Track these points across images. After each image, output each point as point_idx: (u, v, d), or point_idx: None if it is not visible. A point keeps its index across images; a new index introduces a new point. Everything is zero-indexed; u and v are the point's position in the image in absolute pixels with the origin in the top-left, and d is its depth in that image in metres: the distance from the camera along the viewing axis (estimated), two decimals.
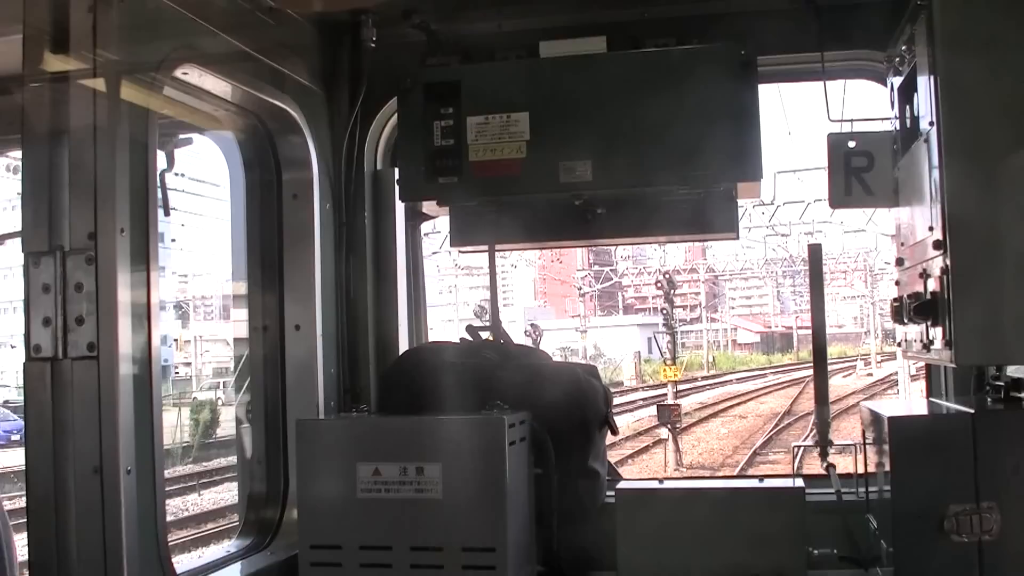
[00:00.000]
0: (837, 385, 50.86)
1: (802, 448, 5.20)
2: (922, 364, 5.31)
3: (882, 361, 69.38)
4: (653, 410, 36.31)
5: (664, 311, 42.37)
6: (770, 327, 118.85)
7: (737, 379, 66.31)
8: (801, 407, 41.76)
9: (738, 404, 47.55)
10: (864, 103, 5.63)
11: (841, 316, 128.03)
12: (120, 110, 3.87)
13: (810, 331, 5.10)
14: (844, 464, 5.05)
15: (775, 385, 58.08)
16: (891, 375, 55.89)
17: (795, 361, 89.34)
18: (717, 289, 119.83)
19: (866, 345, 78.72)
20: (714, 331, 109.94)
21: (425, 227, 6.31)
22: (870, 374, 61.30)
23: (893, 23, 4.57)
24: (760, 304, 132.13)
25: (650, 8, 5.31)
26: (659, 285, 43.81)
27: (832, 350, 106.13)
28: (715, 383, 62.26)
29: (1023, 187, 3.72)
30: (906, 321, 4.36)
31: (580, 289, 66.67)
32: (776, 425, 36.54)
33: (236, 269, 5.58)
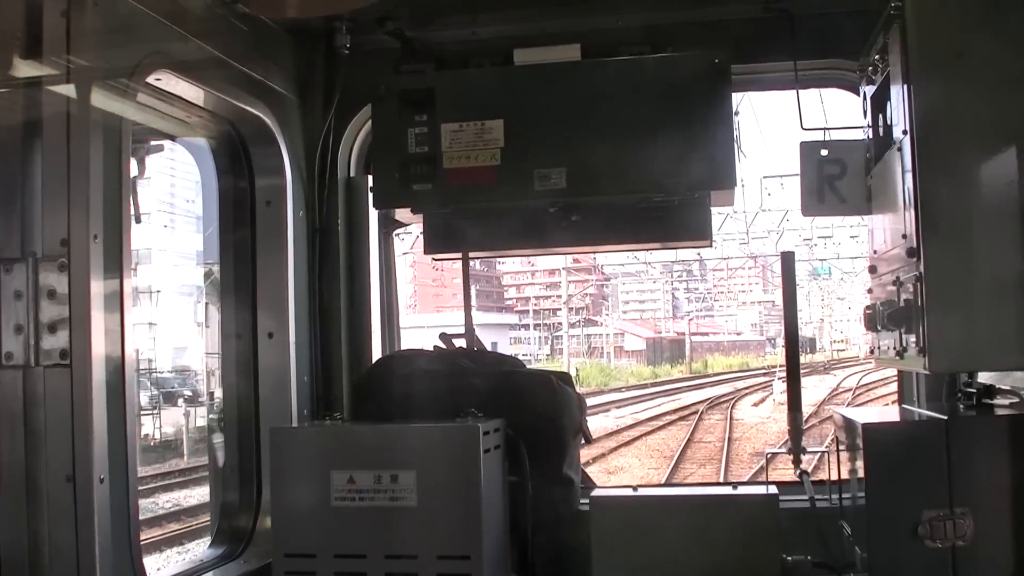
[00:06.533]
0: (747, 424, 35.45)
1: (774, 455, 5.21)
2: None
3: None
4: None
5: None
6: (659, 332, 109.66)
7: (600, 407, 41.22)
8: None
9: None
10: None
11: (739, 322, 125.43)
12: (93, 116, 3.84)
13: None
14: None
15: (653, 420, 37.58)
16: (824, 402, 39.11)
17: (687, 375, 74.45)
18: (606, 290, 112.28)
19: (771, 355, 71.74)
20: (599, 336, 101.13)
21: None
22: None
23: (866, 32, 4.60)
24: (653, 308, 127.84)
25: (624, 16, 5.33)
26: None
27: (732, 360, 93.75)
28: None
29: (995, 195, 3.75)
30: (879, 328, 4.38)
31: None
32: None
33: (208, 276, 5.54)
